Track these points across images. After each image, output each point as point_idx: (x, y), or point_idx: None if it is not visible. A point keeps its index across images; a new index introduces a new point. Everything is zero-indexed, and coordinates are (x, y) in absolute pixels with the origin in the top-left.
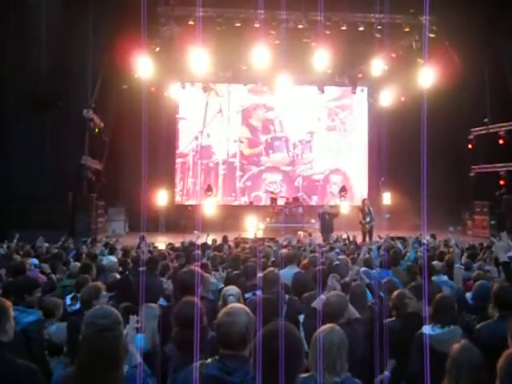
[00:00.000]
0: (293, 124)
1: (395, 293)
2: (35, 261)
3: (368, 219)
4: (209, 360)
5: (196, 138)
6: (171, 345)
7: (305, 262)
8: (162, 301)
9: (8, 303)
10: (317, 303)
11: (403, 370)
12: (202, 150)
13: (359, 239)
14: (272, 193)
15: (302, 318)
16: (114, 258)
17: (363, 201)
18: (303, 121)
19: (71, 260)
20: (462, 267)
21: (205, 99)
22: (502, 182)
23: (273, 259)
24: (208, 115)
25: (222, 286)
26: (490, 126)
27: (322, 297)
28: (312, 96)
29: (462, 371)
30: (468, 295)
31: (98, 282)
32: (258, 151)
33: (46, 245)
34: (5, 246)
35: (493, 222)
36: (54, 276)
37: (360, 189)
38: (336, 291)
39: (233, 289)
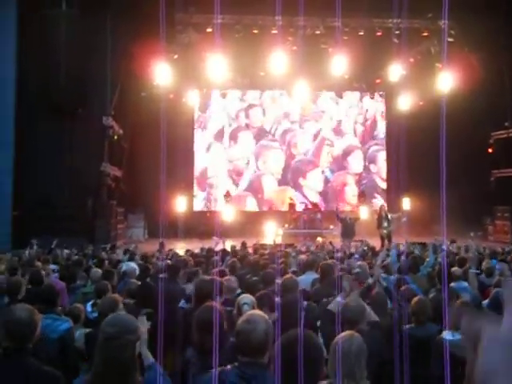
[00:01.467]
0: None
1: (415, 299)
2: (54, 266)
3: (385, 224)
4: (228, 366)
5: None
6: (191, 349)
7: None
8: (182, 303)
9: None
10: (334, 306)
11: (423, 376)
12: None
13: (378, 244)
14: (290, 199)
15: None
16: (133, 265)
17: (380, 207)
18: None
19: (92, 266)
20: (478, 272)
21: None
22: None
23: (294, 269)
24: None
25: (239, 291)
26: (510, 130)
27: (339, 299)
28: (330, 101)
29: None
30: (484, 302)
31: (118, 290)
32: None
33: (67, 251)
34: (27, 252)
35: None
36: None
37: (379, 194)
38: (354, 295)
39: (247, 297)
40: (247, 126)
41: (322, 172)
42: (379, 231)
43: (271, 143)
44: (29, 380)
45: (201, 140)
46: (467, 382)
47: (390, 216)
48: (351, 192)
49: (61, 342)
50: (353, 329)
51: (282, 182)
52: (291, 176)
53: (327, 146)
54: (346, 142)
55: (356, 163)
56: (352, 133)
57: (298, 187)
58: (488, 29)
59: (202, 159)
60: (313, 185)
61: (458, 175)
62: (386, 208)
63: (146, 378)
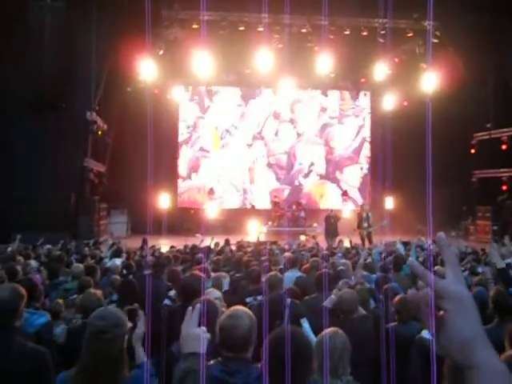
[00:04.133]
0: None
1: (397, 297)
2: (35, 263)
3: (365, 225)
4: (211, 362)
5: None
6: (178, 343)
7: (307, 265)
8: (166, 301)
9: (24, 290)
10: (327, 302)
11: (405, 374)
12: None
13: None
14: (275, 196)
15: (304, 321)
16: (118, 261)
17: (361, 207)
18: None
19: (74, 262)
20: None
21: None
22: (504, 188)
23: (281, 266)
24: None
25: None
26: (492, 132)
27: (332, 297)
28: (315, 100)
29: (459, 374)
30: None
31: (101, 285)
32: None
33: (48, 246)
34: (9, 247)
35: (495, 228)
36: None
37: (362, 193)
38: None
39: (214, 291)
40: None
41: (361, 168)
42: (359, 231)
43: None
44: (14, 357)
45: (184, 136)
46: (446, 380)
47: (370, 216)
48: (335, 191)
49: (37, 337)
50: (347, 318)
51: (324, 176)
52: (331, 170)
53: (367, 143)
54: (330, 141)
55: (339, 162)
56: (336, 131)
57: (335, 180)
58: (472, 30)
59: (186, 156)
60: (350, 180)
61: (440, 175)
62: (368, 208)
63: (133, 375)
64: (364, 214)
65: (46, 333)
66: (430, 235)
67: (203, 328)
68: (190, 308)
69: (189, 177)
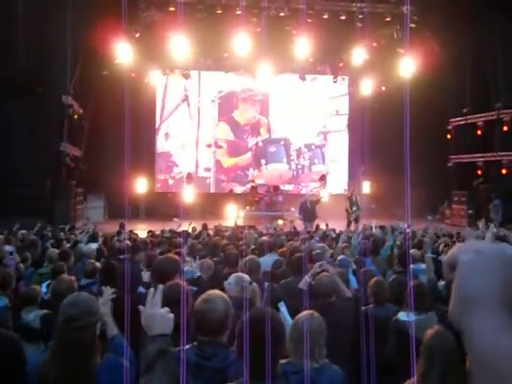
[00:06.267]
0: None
1: (373, 280)
2: (10, 248)
3: (354, 208)
4: (187, 346)
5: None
6: None
7: (284, 249)
8: (141, 289)
9: None
10: (302, 284)
11: (380, 356)
12: (158, 159)
13: (343, 227)
14: (252, 181)
15: (281, 304)
16: (92, 245)
17: (352, 191)
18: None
19: (49, 247)
20: (433, 256)
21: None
22: (479, 172)
23: (253, 247)
24: (168, 105)
25: (199, 274)
26: (468, 117)
27: (307, 278)
28: (293, 84)
29: (435, 356)
30: (441, 284)
31: (75, 271)
32: (244, 161)
33: (23, 232)
34: None
35: (470, 212)
36: (21, 265)
37: (340, 178)
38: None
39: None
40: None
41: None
42: (347, 214)
43: None
44: None
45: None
46: (422, 360)
47: (358, 200)
48: (313, 175)
49: None
50: (326, 302)
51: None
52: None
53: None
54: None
55: (318, 146)
56: (314, 117)
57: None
58: (450, 15)
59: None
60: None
61: (417, 160)
62: (357, 192)
63: (106, 361)
64: (354, 198)
65: (1, 317)
66: (407, 219)
67: (166, 308)
68: (152, 289)
69: (169, 167)
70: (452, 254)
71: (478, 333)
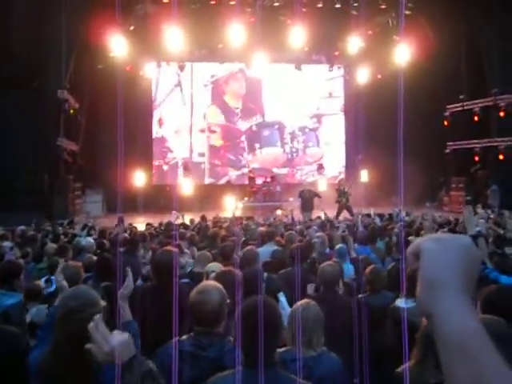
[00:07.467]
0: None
1: (369, 268)
2: (9, 243)
3: (343, 199)
4: (184, 337)
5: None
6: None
7: (282, 239)
8: (139, 281)
9: None
10: (309, 290)
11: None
12: (155, 144)
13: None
14: (250, 172)
15: (281, 295)
16: (91, 239)
17: (339, 181)
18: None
19: (48, 242)
20: None
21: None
22: (476, 159)
23: (244, 238)
24: (161, 91)
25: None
26: (465, 103)
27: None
28: (288, 73)
29: (432, 343)
30: None
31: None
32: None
33: (22, 227)
34: None
35: (468, 198)
36: (22, 260)
37: (338, 166)
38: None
39: (215, 265)
40: (192, 97)
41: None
42: (338, 204)
43: None
44: None
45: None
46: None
47: (347, 190)
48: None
49: (4, 317)
50: (329, 290)
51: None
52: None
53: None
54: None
55: (314, 135)
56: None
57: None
58: (445, 2)
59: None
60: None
61: (414, 147)
62: (344, 182)
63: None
64: (342, 189)
65: (14, 314)
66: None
67: (115, 332)
68: (128, 268)
69: (163, 153)
70: (415, 243)
71: (447, 315)
